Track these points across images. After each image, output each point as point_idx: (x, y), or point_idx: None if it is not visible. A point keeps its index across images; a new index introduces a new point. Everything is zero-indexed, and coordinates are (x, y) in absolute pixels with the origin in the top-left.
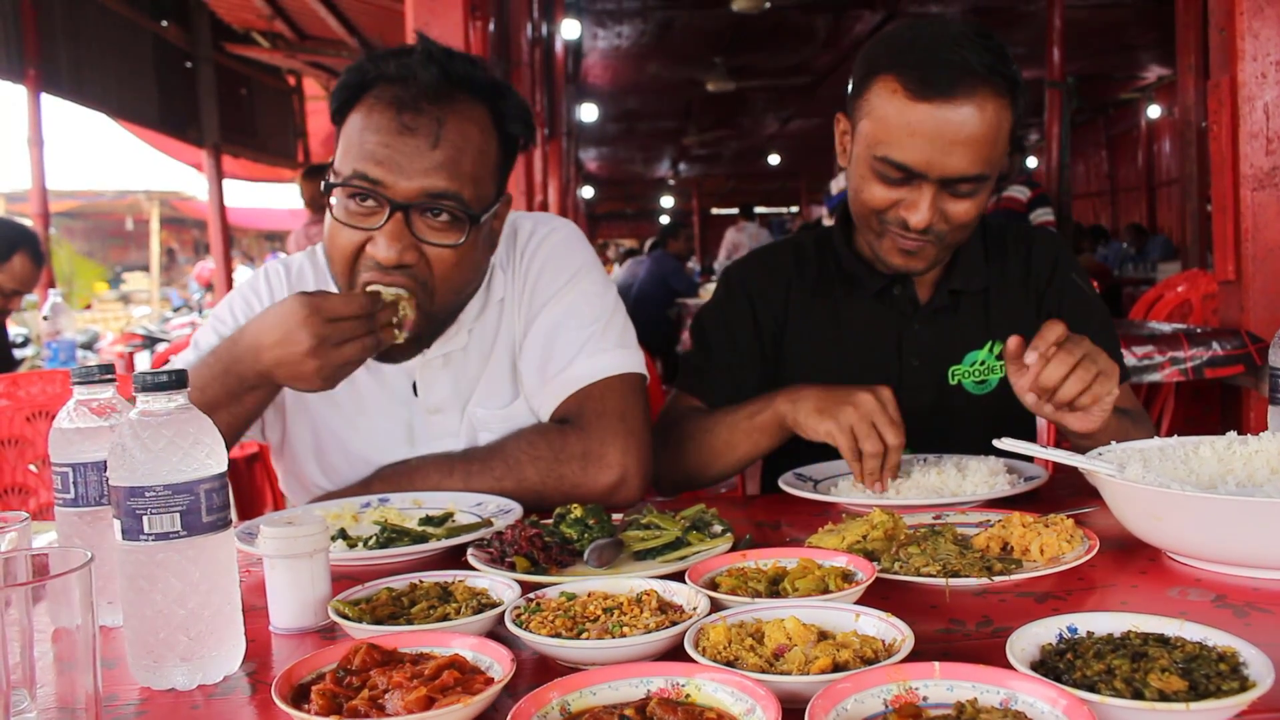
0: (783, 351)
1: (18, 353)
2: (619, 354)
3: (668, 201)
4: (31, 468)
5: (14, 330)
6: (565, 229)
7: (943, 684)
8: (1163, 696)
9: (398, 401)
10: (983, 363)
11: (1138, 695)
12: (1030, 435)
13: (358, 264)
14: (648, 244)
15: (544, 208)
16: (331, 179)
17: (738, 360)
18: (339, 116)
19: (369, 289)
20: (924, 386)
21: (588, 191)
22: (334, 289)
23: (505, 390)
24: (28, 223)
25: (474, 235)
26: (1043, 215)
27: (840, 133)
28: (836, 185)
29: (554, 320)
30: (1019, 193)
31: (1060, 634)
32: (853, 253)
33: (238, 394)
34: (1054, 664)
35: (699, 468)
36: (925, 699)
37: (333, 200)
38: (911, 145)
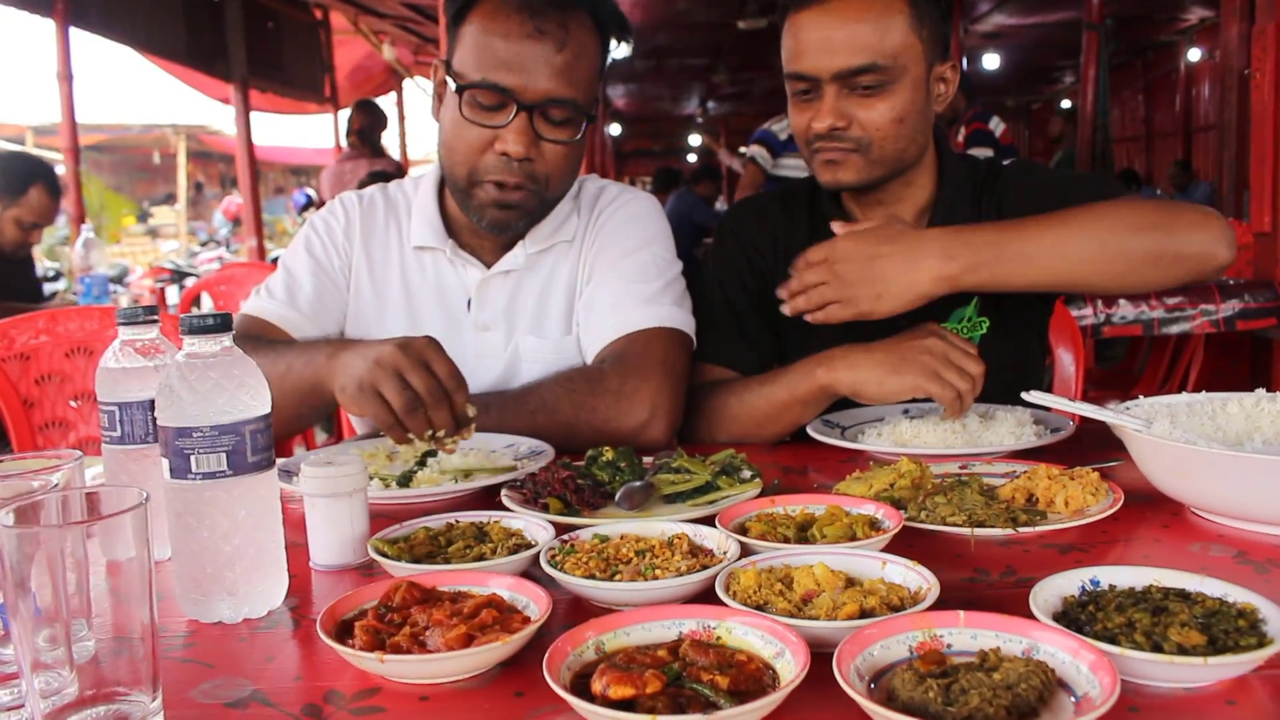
0: (772, 303)
1: (48, 286)
2: (673, 310)
3: (695, 140)
4: (72, 403)
5: (46, 264)
6: (648, 200)
7: (966, 632)
8: (1181, 650)
9: (451, 319)
10: (969, 319)
11: (1157, 648)
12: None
13: (481, 162)
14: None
15: None
16: (455, 80)
17: (748, 319)
18: (457, 18)
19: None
20: None
21: (615, 129)
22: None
23: (557, 326)
24: (57, 156)
25: (587, 131)
26: (997, 126)
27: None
28: (773, 122)
29: (620, 272)
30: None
31: (1083, 586)
32: (835, 205)
33: (303, 390)
34: (1076, 615)
35: (741, 438)
36: (949, 646)
37: (455, 99)
38: (803, 54)
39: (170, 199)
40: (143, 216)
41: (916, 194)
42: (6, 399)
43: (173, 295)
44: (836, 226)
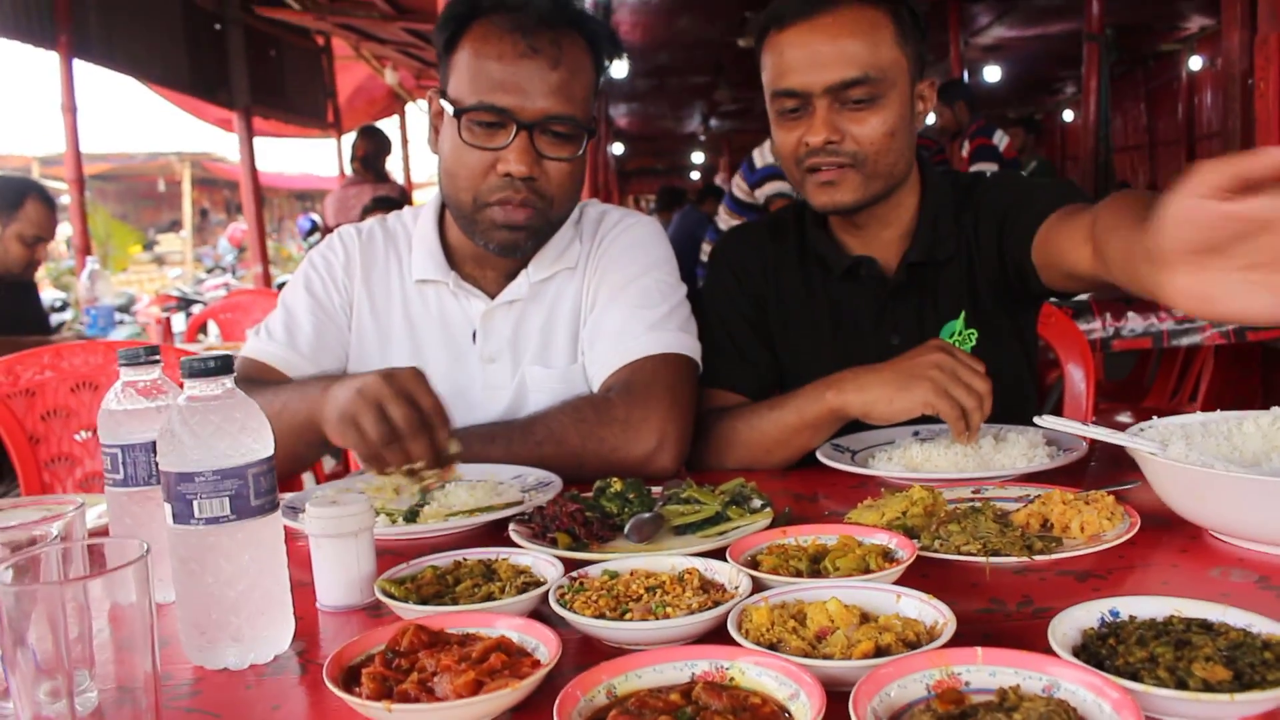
0: (770, 327)
1: (55, 317)
2: (679, 336)
3: (698, 158)
4: (78, 437)
5: (53, 295)
6: (650, 224)
7: (985, 669)
8: (1206, 686)
9: (456, 352)
10: (959, 333)
11: (1181, 685)
12: (1023, 406)
13: (485, 184)
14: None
15: None
16: (452, 105)
17: (747, 344)
18: (449, 46)
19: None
20: None
21: (618, 148)
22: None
23: (563, 354)
24: (61, 186)
25: (587, 147)
26: (1001, 140)
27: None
28: (759, 155)
29: (624, 298)
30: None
31: (1102, 618)
32: (823, 232)
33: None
34: (1096, 649)
35: (750, 465)
36: (968, 684)
37: (454, 124)
38: (791, 70)
39: (175, 226)
40: (149, 245)
41: (903, 215)
42: (13, 435)
43: (179, 323)
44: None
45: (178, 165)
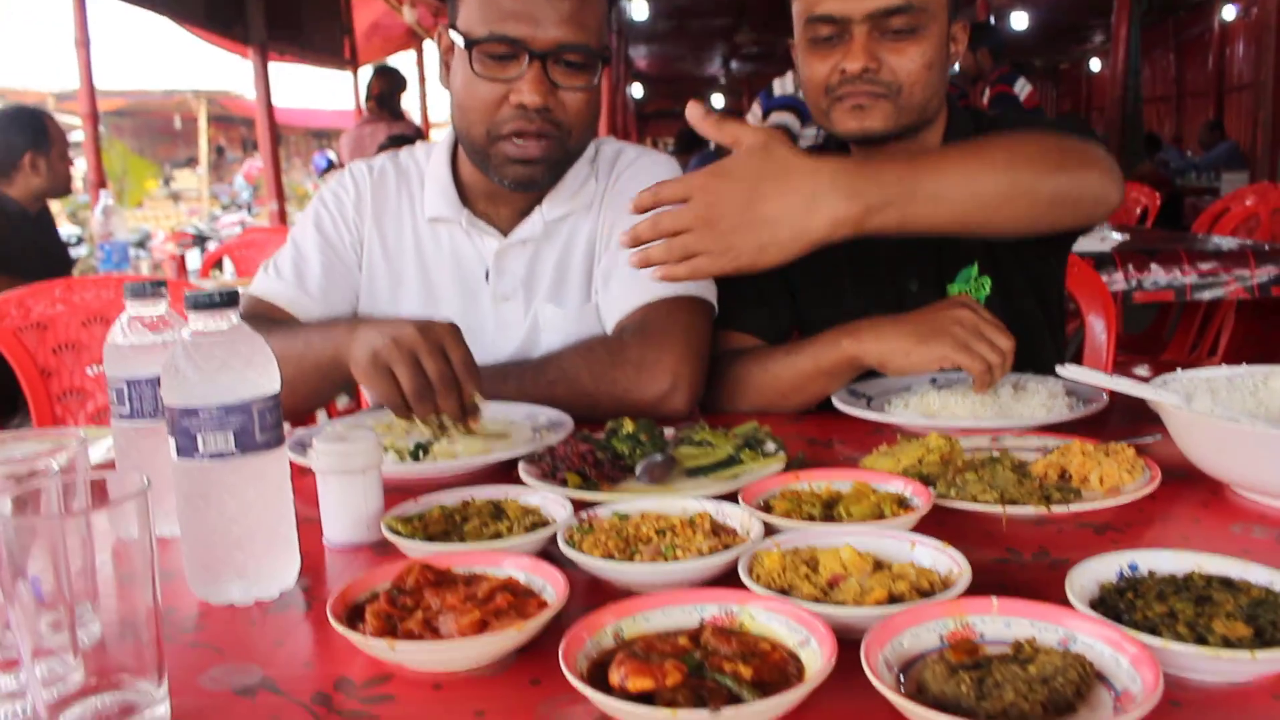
0: (788, 271)
1: (71, 252)
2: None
3: (718, 101)
4: (89, 371)
5: (68, 230)
6: (667, 163)
7: (1000, 620)
8: (1227, 643)
9: (469, 291)
10: (973, 280)
11: (1201, 640)
12: (1039, 356)
13: (499, 116)
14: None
15: None
16: (463, 37)
17: (763, 286)
18: None
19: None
20: None
21: (637, 90)
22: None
23: (576, 293)
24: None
25: (601, 74)
26: (1023, 89)
27: (792, 48)
28: (779, 85)
29: None
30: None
31: (1121, 571)
32: None
33: (320, 367)
34: (1114, 603)
35: (765, 408)
36: (982, 635)
37: (465, 57)
38: None
39: (192, 163)
40: (165, 180)
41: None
42: (25, 368)
43: (195, 259)
44: (694, 112)
45: (194, 102)
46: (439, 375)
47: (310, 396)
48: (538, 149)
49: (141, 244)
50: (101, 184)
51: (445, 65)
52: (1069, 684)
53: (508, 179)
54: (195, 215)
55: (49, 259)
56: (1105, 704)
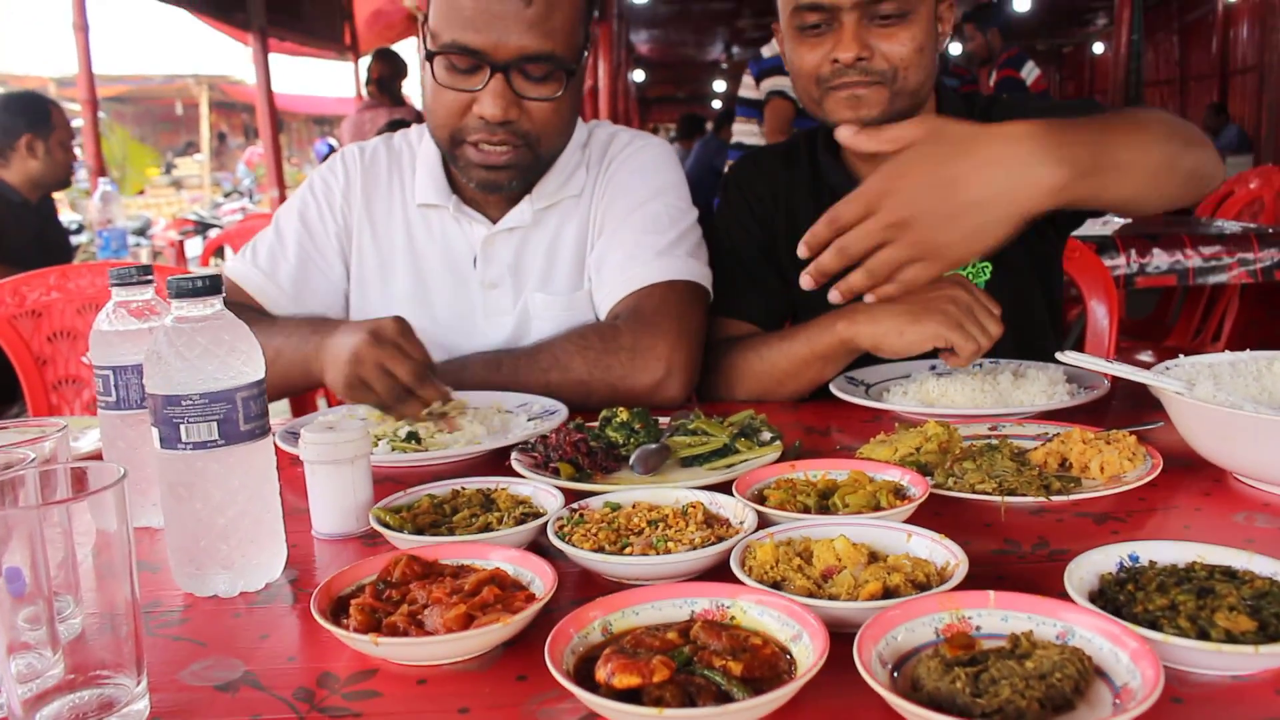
0: (781, 256)
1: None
2: (688, 263)
3: (720, 86)
4: (85, 359)
5: (69, 218)
6: (661, 147)
7: (997, 614)
8: (1230, 637)
9: (458, 277)
10: (972, 264)
11: (1203, 635)
12: (1041, 342)
13: (463, 124)
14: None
15: (594, 92)
16: (429, 44)
17: (758, 271)
18: None
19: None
20: None
21: (638, 76)
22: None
23: (567, 280)
24: (75, 107)
25: (570, 85)
26: (1030, 73)
27: (778, 35)
28: (769, 49)
29: (631, 224)
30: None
31: (1121, 562)
32: (835, 160)
33: (300, 366)
34: (1114, 595)
35: (761, 396)
36: (979, 628)
37: (433, 64)
38: None
39: (191, 149)
40: (167, 168)
41: None
42: (19, 356)
43: (195, 247)
44: (845, 134)
45: (195, 87)
46: (411, 375)
47: (280, 394)
48: (501, 157)
49: (142, 231)
50: (101, 171)
51: (421, 64)
52: (1067, 679)
53: (474, 182)
54: (197, 203)
55: (50, 248)
56: (1105, 700)
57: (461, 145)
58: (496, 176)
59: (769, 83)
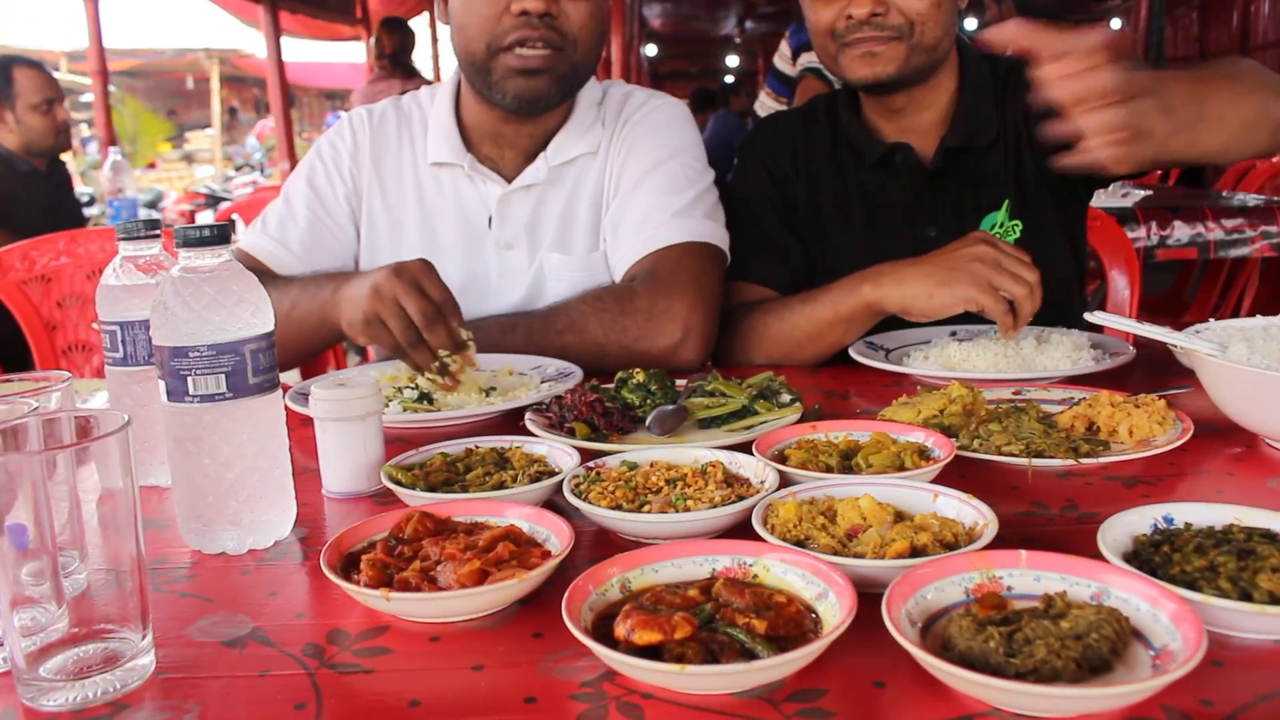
0: (800, 220)
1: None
2: (705, 224)
3: (733, 61)
4: (95, 325)
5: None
6: (677, 107)
7: (1029, 574)
8: (1274, 599)
9: (472, 238)
10: (1001, 225)
11: (1245, 596)
12: (1069, 307)
13: (500, 29)
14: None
15: (606, 65)
16: None
17: (777, 235)
18: None
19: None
20: None
21: (651, 50)
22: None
23: (583, 241)
24: (87, 81)
25: None
26: None
27: None
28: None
29: (649, 184)
30: None
31: (1155, 524)
32: (856, 118)
33: (317, 319)
34: (1149, 557)
35: (780, 360)
36: (1009, 589)
37: None
38: None
39: (204, 123)
40: (178, 139)
41: (941, 98)
42: (29, 321)
43: (207, 219)
44: (1042, 39)
45: (206, 62)
46: (420, 312)
47: (298, 352)
48: (541, 59)
49: (153, 204)
50: (112, 141)
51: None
52: (1104, 640)
53: (510, 94)
54: (210, 178)
55: (60, 217)
56: (1143, 662)
57: (498, 55)
58: (535, 83)
59: (805, 58)
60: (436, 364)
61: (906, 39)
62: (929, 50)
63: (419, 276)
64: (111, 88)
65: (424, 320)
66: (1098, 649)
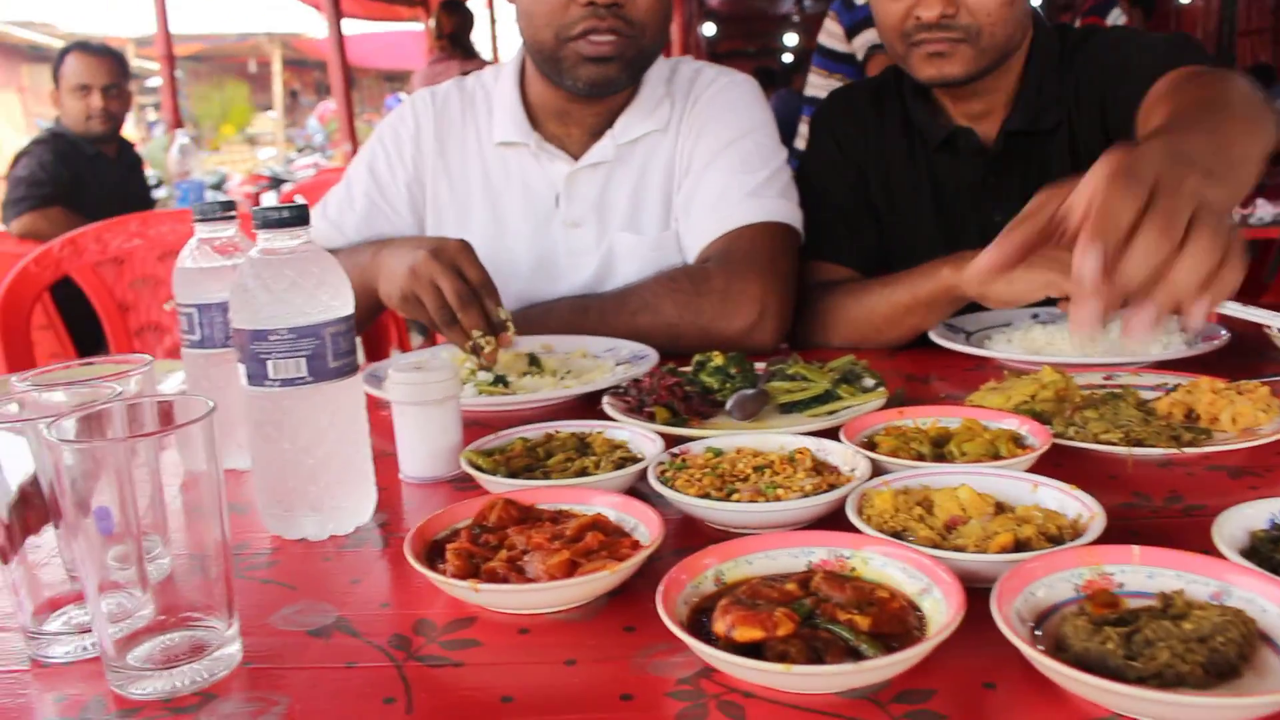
0: (874, 197)
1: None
2: (780, 203)
3: (791, 39)
4: (166, 306)
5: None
6: (749, 83)
7: (1142, 570)
8: None
9: (538, 217)
10: None
11: None
12: None
13: (568, 18)
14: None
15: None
16: None
17: (851, 213)
18: None
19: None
20: None
21: (709, 29)
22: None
23: (654, 220)
24: (154, 66)
25: None
26: (1116, 19)
27: None
28: None
29: (722, 163)
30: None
31: (1273, 519)
32: (921, 101)
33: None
34: (1269, 554)
35: (857, 343)
36: (1121, 585)
37: None
38: None
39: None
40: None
41: (1009, 79)
42: (103, 302)
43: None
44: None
45: (268, 45)
46: (454, 293)
47: None
48: (611, 46)
49: (218, 186)
50: (178, 124)
51: None
52: (1231, 644)
53: (582, 81)
54: (273, 160)
55: (129, 200)
56: (1274, 668)
57: (566, 44)
58: (605, 70)
59: (866, 37)
60: (470, 344)
61: (974, 42)
62: (999, 50)
63: (456, 258)
64: (177, 73)
65: (459, 302)
66: (1224, 653)
